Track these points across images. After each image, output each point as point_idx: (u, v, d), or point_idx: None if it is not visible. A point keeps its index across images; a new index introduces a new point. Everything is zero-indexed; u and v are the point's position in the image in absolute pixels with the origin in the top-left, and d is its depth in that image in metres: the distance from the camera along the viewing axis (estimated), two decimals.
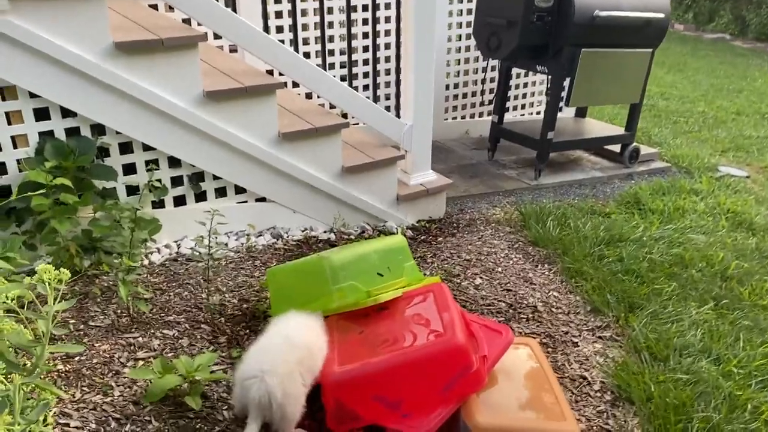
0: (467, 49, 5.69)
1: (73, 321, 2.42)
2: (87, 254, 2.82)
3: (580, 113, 5.84)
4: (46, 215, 2.68)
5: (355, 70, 4.96)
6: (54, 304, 1.49)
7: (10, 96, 2.71)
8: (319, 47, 4.57)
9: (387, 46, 5.07)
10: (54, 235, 2.66)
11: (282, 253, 3.25)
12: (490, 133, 5.33)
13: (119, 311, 2.48)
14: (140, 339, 2.37)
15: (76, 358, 2.21)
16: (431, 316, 2.19)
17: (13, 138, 2.78)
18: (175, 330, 2.45)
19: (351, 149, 3.77)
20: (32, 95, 2.73)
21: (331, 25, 4.66)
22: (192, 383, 2.04)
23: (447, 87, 5.80)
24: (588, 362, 2.68)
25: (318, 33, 4.53)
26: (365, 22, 4.81)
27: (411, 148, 3.87)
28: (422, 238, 3.71)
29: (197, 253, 3.09)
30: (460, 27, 5.59)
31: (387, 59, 5.08)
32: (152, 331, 2.42)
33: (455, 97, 5.88)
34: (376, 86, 4.21)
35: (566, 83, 4.73)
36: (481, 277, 3.23)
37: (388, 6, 4.94)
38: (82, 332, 2.36)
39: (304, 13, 4.52)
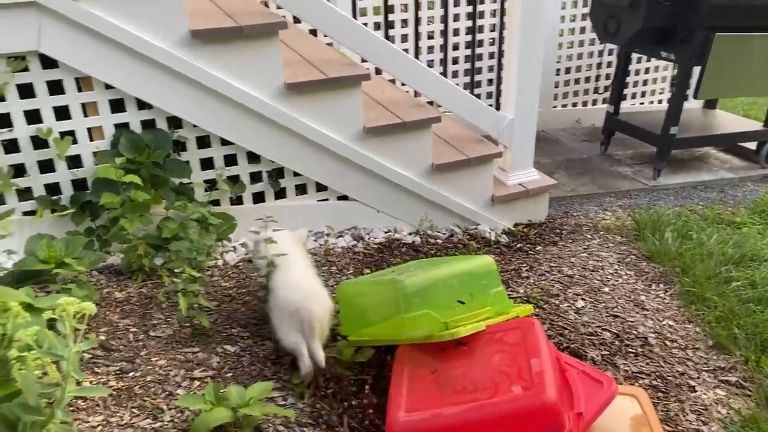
0: (582, 30, 5.17)
1: (134, 330, 2.30)
2: (159, 253, 2.71)
3: (710, 104, 5.17)
4: (117, 212, 2.58)
5: (452, 54, 4.62)
6: (76, 343, 1.31)
7: (86, 87, 2.61)
8: (410, 30, 4.27)
9: (492, 28, 4.66)
10: (124, 233, 2.56)
11: (361, 258, 3.01)
12: (604, 124, 4.82)
13: (182, 321, 2.33)
14: (200, 355, 2.20)
15: (130, 374, 2.08)
16: (518, 359, 1.86)
17: (89, 130, 2.69)
18: (238, 346, 2.27)
19: (442, 144, 3.45)
20: (108, 86, 2.62)
21: (428, 5, 4.32)
22: (244, 416, 1.85)
23: (557, 72, 5.33)
24: (707, 413, 2.26)
25: (410, 15, 4.22)
26: (469, 1, 4.43)
27: (511, 144, 3.49)
28: (518, 245, 3.34)
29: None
30: (575, 6, 5.07)
31: (491, 42, 4.68)
32: (213, 345, 2.26)
33: (566, 83, 5.38)
34: (474, 73, 3.84)
35: (695, 72, 4.14)
36: (584, 299, 2.84)
37: None
38: (141, 344, 2.23)
39: None
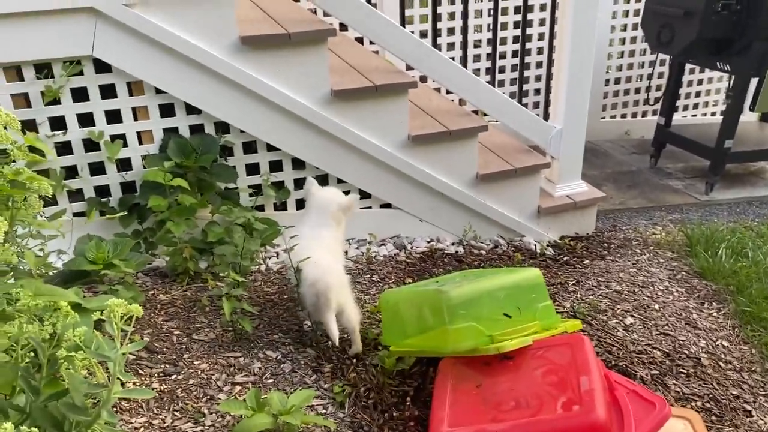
0: (632, 40, 5.07)
1: (178, 332, 2.31)
2: (204, 256, 2.73)
3: (767, 117, 4.98)
4: (164, 215, 2.61)
5: (499, 63, 4.57)
6: (122, 345, 1.31)
7: (137, 91, 2.65)
8: (457, 39, 4.25)
9: (540, 37, 4.60)
10: (170, 236, 2.58)
11: (403, 267, 2.98)
12: (655, 136, 4.70)
13: (225, 325, 2.33)
14: (241, 360, 2.20)
15: (173, 377, 2.09)
16: (566, 376, 1.80)
17: (138, 134, 2.73)
18: (279, 352, 2.26)
19: (488, 154, 3.40)
20: (158, 91, 2.66)
21: (475, 13, 4.29)
22: (285, 424, 1.83)
23: (606, 82, 5.23)
24: None
25: (457, 23, 4.19)
26: (516, 10, 4.38)
27: (558, 155, 3.42)
28: (565, 258, 3.26)
29: None
30: (627, 15, 4.97)
31: (539, 51, 4.62)
32: (255, 351, 2.25)
33: (615, 93, 5.28)
34: (522, 82, 3.78)
35: (752, 84, 4.00)
36: (633, 316, 2.75)
37: None
38: (184, 347, 2.24)
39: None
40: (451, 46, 4.26)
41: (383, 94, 2.91)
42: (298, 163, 2.97)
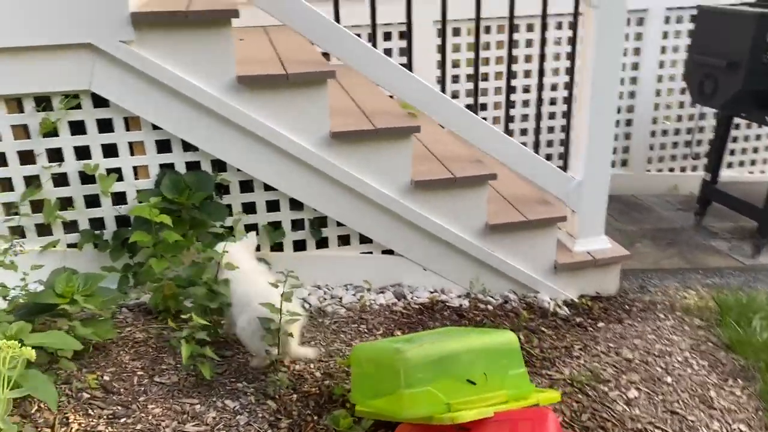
0: (682, 91, 4.82)
1: (140, 373, 2.25)
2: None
3: None
4: (149, 252, 2.59)
5: (520, 111, 4.52)
6: (4, 390, 1.24)
7: (134, 126, 2.67)
8: (470, 85, 4.19)
9: (553, 87, 4.49)
10: (154, 273, 2.55)
11: (397, 318, 2.83)
12: (700, 192, 4.41)
13: (188, 369, 2.25)
14: (198, 407, 2.11)
15: (122, 420, 2.01)
16: None
17: (135, 168, 2.74)
18: (239, 402, 2.16)
19: (501, 202, 3.24)
20: (155, 127, 2.67)
21: (495, 60, 4.20)
22: None
23: (653, 134, 4.98)
24: None
25: (470, 70, 4.13)
26: (527, 59, 4.31)
27: (578, 208, 3.22)
28: (578, 320, 3.03)
29: (304, 308, 2.80)
30: (674, 65, 4.74)
31: (552, 101, 4.51)
32: (214, 399, 2.16)
33: (662, 146, 5.03)
34: (538, 130, 3.63)
35: None
36: (639, 388, 2.50)
37: (558, 42, 4.40)
38: (143, 389, 2.17)
39: (455, 48, 4.13)
40: (469, 92, 4.19)
41: (384, 137, 2.82)
42: (295, 204, 2.91)
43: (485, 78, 4.49)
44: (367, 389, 2.08)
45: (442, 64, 3.30)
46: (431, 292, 3.08)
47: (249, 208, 2.89)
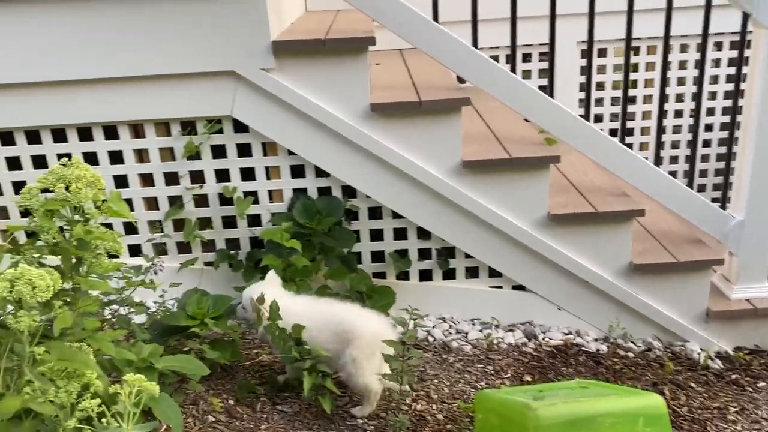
0: None
1: (264, 399, 2.26)
2: None
3: None
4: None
5: (671, 137, 4.17)
6: (130, 424, 1.25)
7: (271, 152, 2.73)
8: (614, 109, 3.91)
9: (710, 112, 4.07)
10: None
11: (527, 361, 2.66)
12: None
13: (309, 399, 2.23)
14: None
15: None
16: None
17: (270, 192, 2.80)
18: None
19: (648, 240, 2.97)
20: (290, 152, 2.70)
21: (644, 83, 3.88)
22: None
23: None
24: None
25: (615, 93, 3.86)
26: (680, 81, 3.96)
27: (738, 250, 2.87)
28: (733, 376, 2.69)
29: (428, 341, 2.71)
30: None
31: (708, 127, 4.10)
32: None
33: None
34: (693, 159, 3.30)
35: None
36: None
37: (716, 63, 4.01)
38: (265, 416, 2.18)
39: (600, 69, 3.86)
40: (614, 116, 3.91)
41: (520, 167, 2.68)
42: (423, 233, 2.83)
43: (632, 101, 4.19)
44: None
45: (587, 87, 3.10)
46: (565, 334, 2.88)
47: (376, 235, 2.86)
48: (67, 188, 1.55)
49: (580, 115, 2.81)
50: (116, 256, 1.67)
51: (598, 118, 4.16)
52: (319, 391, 2.14)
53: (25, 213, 1.68)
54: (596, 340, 2.87)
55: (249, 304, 2.21)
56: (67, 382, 1.31)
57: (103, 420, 1.31)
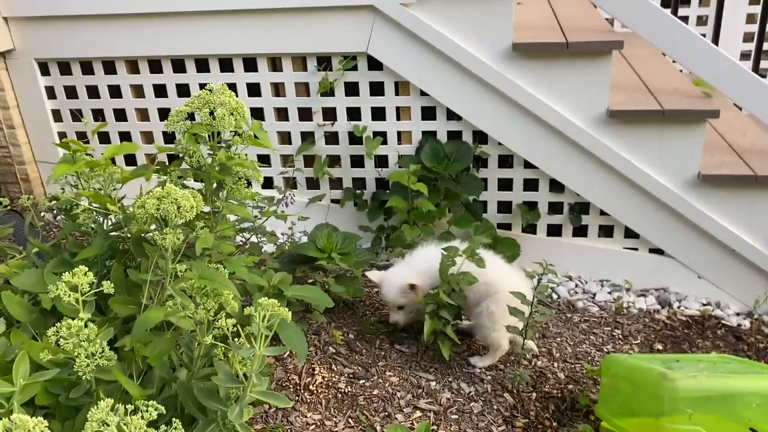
0: None
1: (382, 336, 2.28)
2: None
3: None
4: (403, 217, 2.60)
5: None
6: (262, 346, 1.28)
7: (403, 92, 2.67)
8: None
9: None
10: (405, 238, 2.55)
11: (658, 329, 2.49)
12: None
13: (427, 343, 2.21)
14: (433, 384, 2.07)
15: (361, 382, 2.05)
16: None
17: (398, 133, 2.75)
18: (474, 388, 2.06)
19: None
20: (422, 93, 2.63)
21: None
22: None
23: None
24: None
25: None
26: None
27: None
28: None
29: (551, 298, 2.61)
30: None
31: None
32: (450, 379, 2.09)
33: None
34: None
35: None
36: None
37: None
38: (383, 353, 2.19)
39: None
40: None
41: (673, 120, 2.45)
42: (556, 186, 2.69)
43: None
44: (618, 407, 1.84)
45: (759, 36, 2.76)
46: (703, 304, 2.66)
47: (505, 185, 2.75)
48: (211, 114, 1.57)
49: None
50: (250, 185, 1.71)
51: (763, 75, 3.73)
52: (438, 337, 2.12)
53: (169, 141, 1.73)
54: (738, 314, 2.64)
55: (399, 291, 2.12)
56: (205, 300, 1.36)
57: (237, 340, 1.34)
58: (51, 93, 2.93)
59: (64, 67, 2.87)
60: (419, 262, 2.17)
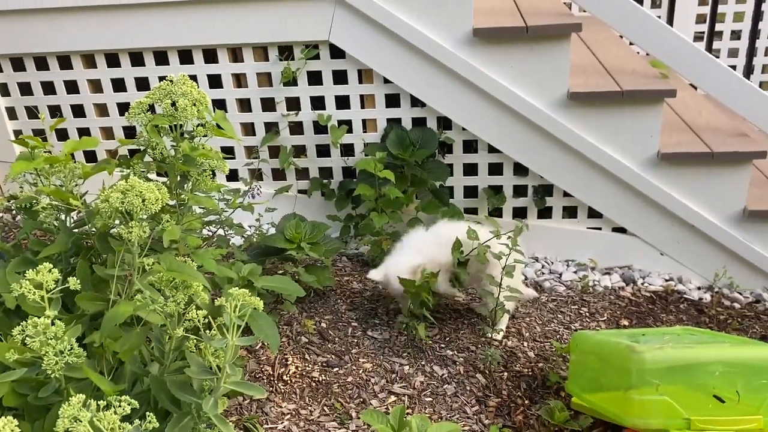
0: None
1: (355, 324, 2.29)
2: None
3: None
4: (371, 205, 2.60)
5: None
6: (234, 337, 1.28)
7: (367, 79, 2.67)
8: (733, 44, 3.56)
9: None
10: (373, 226, 2.56)
11: (624, 305, 2.55)
12: None
13: (400, 328, 2.23)
14: (406, 368, 2.08)
15: (334, 370, 2.06)
16: None
17: (363, 121, 2.75)
18: (447, 370, 2.09)
19: (764, 185, 2.74)
20: (386, 80, 2.64)
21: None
22: None
23: None
24: None
25: (736, 26, 3.50)
26: None
27: None
28: None
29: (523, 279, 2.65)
30: None
31: None
32: (423, 363, 2.11)
33: None
34: None
35: None
36: None
37: None
38: (356, 341, 2.20)
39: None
40: (733, 52, 3.56)
41: (631, 101, 2.50)
42: (520, 169, 2.72)
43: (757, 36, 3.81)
44: (587, 382, 1.89)
45: (711, 17, 2.83)
46: (666, 280, 2.74)
47: (470, 169, 2.77)
48: (173, 105, 1.55)
49: None
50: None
51: (715, 55, 3.83)
52: (415, 319, 2.14)
53: (129, 137, 1.70)
54: (699, 288, 2.72)
55: (397, 282, 2.14)
56: (174, 292, 1.35)
57: (208, 331, 1.33)
58: (5, 90, 2.85)
59: (17, 63, 2.79)
60: (416, 246, 2.24)
